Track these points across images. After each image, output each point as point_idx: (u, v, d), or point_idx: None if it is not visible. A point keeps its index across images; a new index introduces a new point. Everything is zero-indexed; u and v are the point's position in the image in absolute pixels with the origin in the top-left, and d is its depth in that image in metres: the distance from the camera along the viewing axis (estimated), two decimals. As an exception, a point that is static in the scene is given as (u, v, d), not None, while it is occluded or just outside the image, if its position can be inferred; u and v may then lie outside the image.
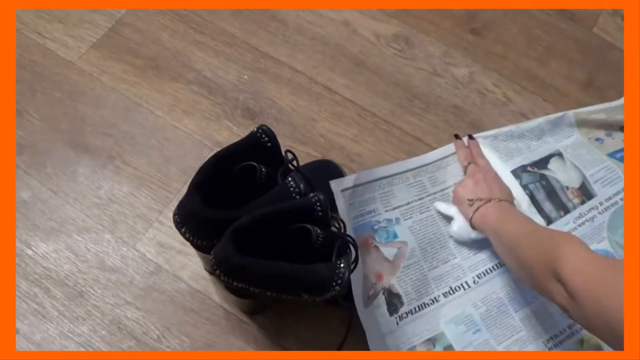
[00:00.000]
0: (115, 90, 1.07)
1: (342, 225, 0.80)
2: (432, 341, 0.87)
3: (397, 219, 0.95)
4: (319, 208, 0.74)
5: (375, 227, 0.93)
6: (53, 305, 0.89)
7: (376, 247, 0.92)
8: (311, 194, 0.75)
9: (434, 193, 0.98)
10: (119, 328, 0.88)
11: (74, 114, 1.04)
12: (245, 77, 1.10)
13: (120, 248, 0.94)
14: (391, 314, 0.88)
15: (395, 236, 0.93)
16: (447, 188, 0.99)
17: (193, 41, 1.13)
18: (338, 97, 1.09)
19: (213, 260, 0.74)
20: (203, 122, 1.05)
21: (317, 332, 0.88)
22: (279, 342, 0.88)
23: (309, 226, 0.74)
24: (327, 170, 0.99)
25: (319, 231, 0.74)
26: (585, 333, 0.89)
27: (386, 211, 0.95)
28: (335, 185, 0.92)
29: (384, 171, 0.97)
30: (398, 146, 1.05)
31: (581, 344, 0.89)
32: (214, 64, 1.11)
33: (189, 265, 0.92)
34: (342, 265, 0.72)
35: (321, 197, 0.75)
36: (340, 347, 0.86)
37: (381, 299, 0.88)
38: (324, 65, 1.12)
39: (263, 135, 0.78)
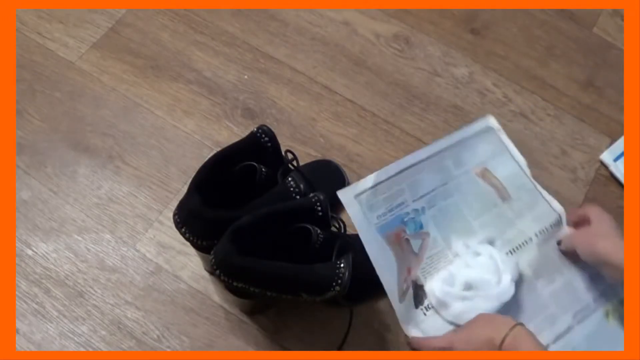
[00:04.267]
0: (115, 90, 1.07)
1: (342, 225, 0.81)
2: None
3: (423, 208, 0.93)
4: (319, 208, 0.74)
5: (405, 219, 0.91)
6: (53, 305, 0.89)
7: (407, 241, 0.90)
8: (311, 194, 0.75)
9: (458, 176, 0.96)
10: (119, 328, 0.88)
11: (74, 114, 1.04)
12: (245, 77, 1.10)
13: (120, 248, 0.94)
14: (417, 306, 0.87)
15: (421, 226, 0.92)
16: (469, 169, 0.96)
17: (193, 41, 1.13)
18: (338, 97, 1.09)
19: (213, 260, 0.74)
20: (203, 122, 1.05)
21: (317, 332, 0.88)
22: (279, 342, 0.88)
23: (309, 226, 0.74)
24: (327, 170, 0.99)
25: (319, 231, 0.74)
26: (609, 305, 0.90)
27: (413, 201, 0.93)
28: (345, 193, 0.86)
29: (410, 160, 0.93)
30: (398, 146, 1.05)
31: (607, 316, 0.90)
32: (214, 64, 1.11)
33: (189, 265, 0.92)
34: (342, 265, 0.72)
35: (321, 197, 0.75)
36: (340, 347, 0.86)
37: (410, 293, 0.88)
38: (324, 65, 1.12)
39: (263, 135, 0.78)
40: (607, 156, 1.05)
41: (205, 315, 0.89)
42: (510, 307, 0.88)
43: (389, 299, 0.90)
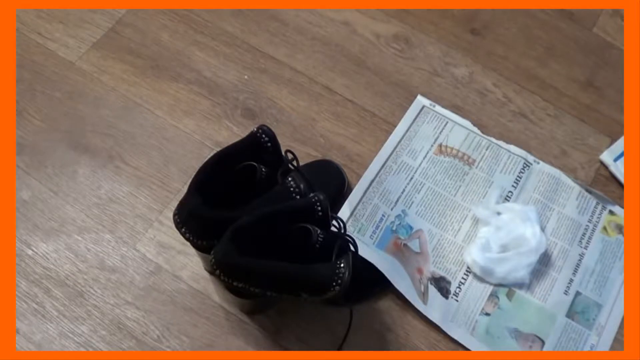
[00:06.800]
0: (115, 90, 1.07)
1: (342, 225, 0.80)
2: (494, 296, 0.91)
3: (404, 211, 0.96)
4: (319, 208, 0.74)
5: (394, 228, 0.94)
6: (53, 305, 0.89)
7: (406, 246, 0.93)
8: (311, 194, 0.75)
9: (419, 165, 1.00)
10: (119, 328, 0.88)
11: (74, 114, 1.04)
12: (245, 77, 1.10)
13: (120, 248, 0.94)
14: (447, 297, 0.90)
15: (411, 228, 0.95)
16: (427, 153, 1.01)
17: (193, 41, 1.13)
18: (338, 97, 1.09)
19: (213, 260, 0.74)
20: (203, 122, 1.05)
21: (317, 332, 0.88)
22: (279, 342, 0.88)
23: (309, 226, 0.74)
24: (327, 170, 0.99)
25: (319, 231, 0.74)
26: (604, 220, 0.97)
27: (392, 209, 0.96)
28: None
29: (368, 176, 0.98)
30: (398, 146, 1.05)
31: (606, 231, 0.97)
32: (214, 64, 1.11)
33: (189, 265, 0.92)
34: (342, 265, 0.72)
35: (321, 197, 0.74)
36: (340, 347, 0.86)
37: (432, 289, 0.90)
38: (324, 65, 1.12)
39: (263, 135, 0.78)
40: (607, 156, 1.05)
41: (205, 315, 0.89)
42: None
43: (389, 299, 0.91)
